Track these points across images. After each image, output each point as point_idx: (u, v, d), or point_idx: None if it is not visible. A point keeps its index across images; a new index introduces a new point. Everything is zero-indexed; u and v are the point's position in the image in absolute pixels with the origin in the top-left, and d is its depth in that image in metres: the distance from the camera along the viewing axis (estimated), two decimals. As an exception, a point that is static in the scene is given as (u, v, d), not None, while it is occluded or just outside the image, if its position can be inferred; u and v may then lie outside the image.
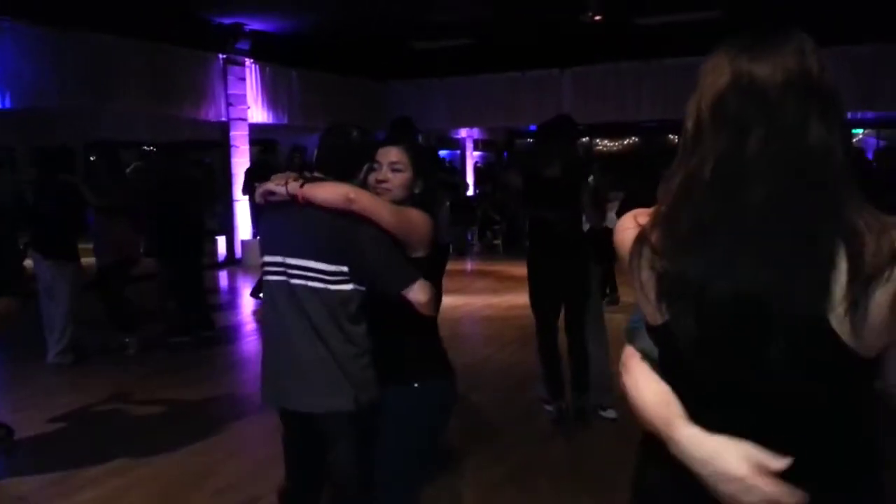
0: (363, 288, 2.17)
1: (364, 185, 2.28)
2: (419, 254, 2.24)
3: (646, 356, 1.28)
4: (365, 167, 2.26)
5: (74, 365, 5.68)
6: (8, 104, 7.79)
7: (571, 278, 4.33)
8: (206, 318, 6.64)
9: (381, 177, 2.28)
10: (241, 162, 10.77)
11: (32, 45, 7.95)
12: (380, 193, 2.25)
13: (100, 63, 8.60)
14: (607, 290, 7.89)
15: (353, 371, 2.18)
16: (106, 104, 9.01)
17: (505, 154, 15.52)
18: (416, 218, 2.23)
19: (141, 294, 6.82)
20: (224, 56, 10.38)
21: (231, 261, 10.91)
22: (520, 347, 5.63)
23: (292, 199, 2.17)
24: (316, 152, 2.30)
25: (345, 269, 2.14)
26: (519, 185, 4.51)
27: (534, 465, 3.84)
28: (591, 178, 4.31)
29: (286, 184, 2.19)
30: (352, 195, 2.10)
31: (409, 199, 2.31)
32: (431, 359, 2.38)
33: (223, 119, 10.55)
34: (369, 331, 2.23)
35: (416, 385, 2.30)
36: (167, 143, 7.37)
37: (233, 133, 10.72)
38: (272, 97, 11.30)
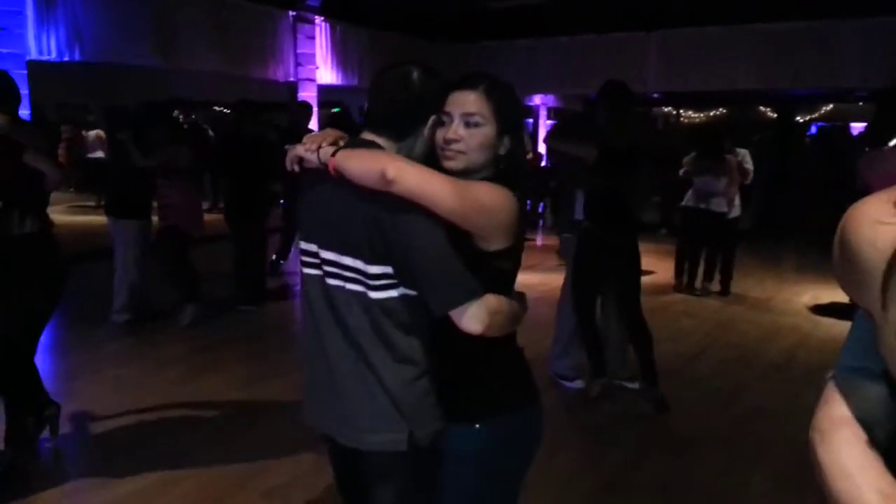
0: (415, 293, 1.59)
1: (427, 149, 1.68)
2: (497, 246, 1.62)
3: (863, 422, 0.84)
4: (430, 120, 1.65)
5: (138, 328, 5.52)
6: (77, 57, 7.59)
7: (626, 254, 4.16)
8: (259, 289, 6.44)
9: (451, 135, 1.64)
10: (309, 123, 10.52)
11: (100, -3, 7.72)
12: (449, 158, 1.65)
13: (167, 18, 8.34)
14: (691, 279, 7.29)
15: (408, 399, 1.62)
16: (174, 63, 8.73)
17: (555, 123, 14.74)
18: (491, 197, 1.58)
19: (213, 257, 6.64)
20: (294, 13, 10.01)
21: (295, 227, 10.68)
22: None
23: (326, 170, 1.62)
24: (367, 102, 1.71)
25: (389, 269, 1.58)
26: (592, 157, 4.08)
27: (630, 476, 3.38)
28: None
29: (318, 148, 1.64)
30: (390, 173, 1.48)
31: (492, 165, 1.69)
32: (503, 385, 1.75)
33: (291, 79, 10.22)
34: (430, 345, 1.66)
35: (477, 426, 1.69)
36: (235, 102, 6.98)
37: (301, 94, 10.38)
38: (342, 57, 10.90)
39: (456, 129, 1.65)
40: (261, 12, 9.57)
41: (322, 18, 10.38)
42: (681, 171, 7.16)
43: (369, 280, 1.59)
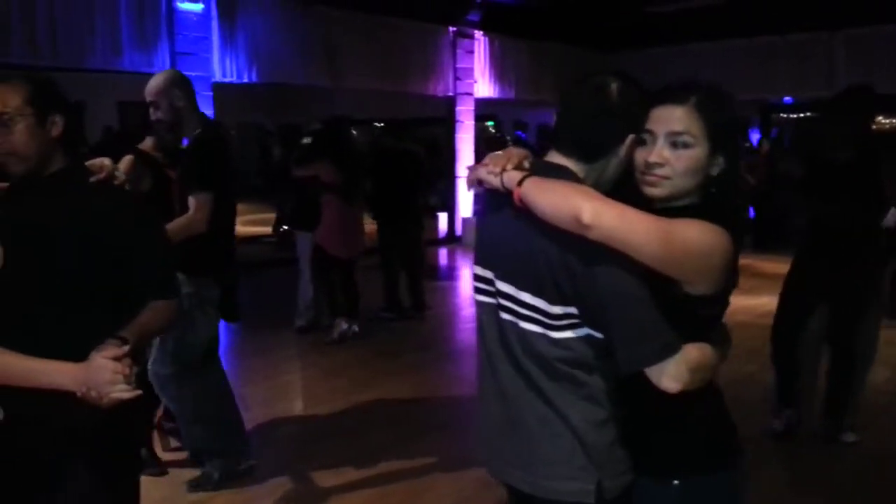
0: (601, 336, 1.41)
1: (622, 171, 1.49)
2: (704, 291, 1.39)
3: None
4: (628, 139, 1.45)
5: (311, 336, 5.68)
6: (254, 78, 8.10)
7: (845, 283, 3.63)
8: (419, 298, 6.44)
9: (654, 157, 1.42)
10: (465, 137, 10.62)
11: (277, 20, 8.19)
12: (650, 184, 1.45)
13: (335, 40, 8.70)
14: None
15: (597, 444, 1.45)
16: (341, 82, 9.10)
17: (774, 131, 13.65)
18: (701, 240, 1.35)
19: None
20: (454, 29, 10.13)
21: (451, 238, 10.75)
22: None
23: (511, 195, 1.45)
24: (555, 117, 1.54)
25: (573, 310, 1.41)
26: (798, 173, 3.64)
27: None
28: None
29: (502, 170, 1.47)
30: (585, 217, 1.31)
31: (700, 189, 1.47)
32: (706, 437, 1.52)
33: (450, 94, 10.35)
34: (617, 388, 1.47)
35: (675, 482, 1.49)
36: (391, 119, 7.16)
37: (458, 108, 10.49)
38: (499, 70, 10.90)
39: (660, 151, 1.43)
40: (423, 30, 9.78)
41: (481, 33, 10.44)
42: None
43: (550, 320, 1.43)
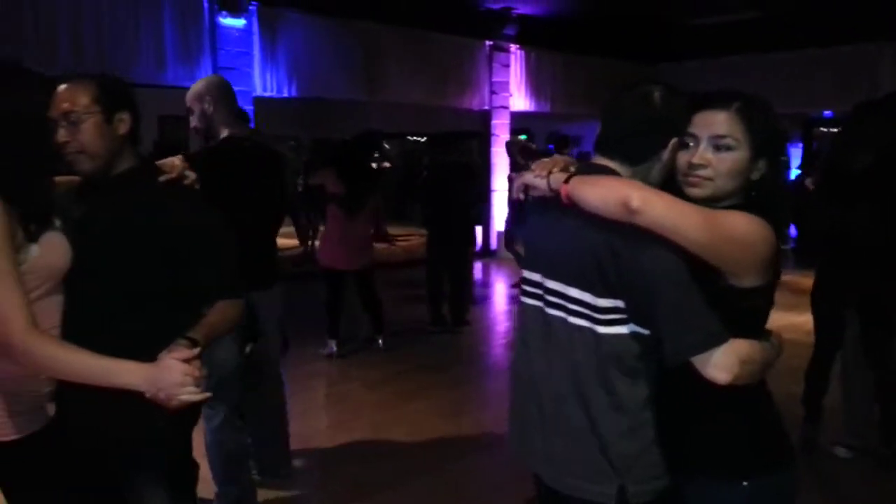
0: (647, 332, 1.46)
1: (666, 174, 1.54)
2: (750, 283, 1.44)
3: None
4: (671, 143, 1.50)
5: (349, 349, 5.64)
6: (294, 93, 8.20)
7: (869, 295, 3.53)
8: (460, 314, 6.41)
9: (697, 159, 1.48)
10: (500, 151, 10.61)
11: (316, 36, 8.29)
12: (693, 185, 1.50)
13: (373, 54, 8.78)
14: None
15: (622, 450, 1.49)
16: (379, 96, 9.17)
17: (814, 146, 13.37)
18: (745, 229, 1.41)
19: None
20: (490, 43, 10.16)
21: (486, 252, 10.72)
22: (834, 383, 4.46)
23: (557, 197, 1.52)
24: (600, 124, 1.59)
25: (620, 303, 1.46)
26: (817, 182, 3.62)
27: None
28: None
29: (548, 174, 1.57)
30: (634, 202, 1.37)
31: (742, 192, 1.52)
32: (772, 437, 1.58)
33: (485, 108, 10.36)
34: (661, 390, 1.51)
35: (745, 483, 1.51)
36: (431, 133, 7.15)
37: (494, 121, 10.49)
38: (535, 84, 10.88)
39: (703, 154, 1.49)
40: (460, 44, 9.83)
41: (517, 46, 10.45)
42: None
43: (597, 314, 1.48)
